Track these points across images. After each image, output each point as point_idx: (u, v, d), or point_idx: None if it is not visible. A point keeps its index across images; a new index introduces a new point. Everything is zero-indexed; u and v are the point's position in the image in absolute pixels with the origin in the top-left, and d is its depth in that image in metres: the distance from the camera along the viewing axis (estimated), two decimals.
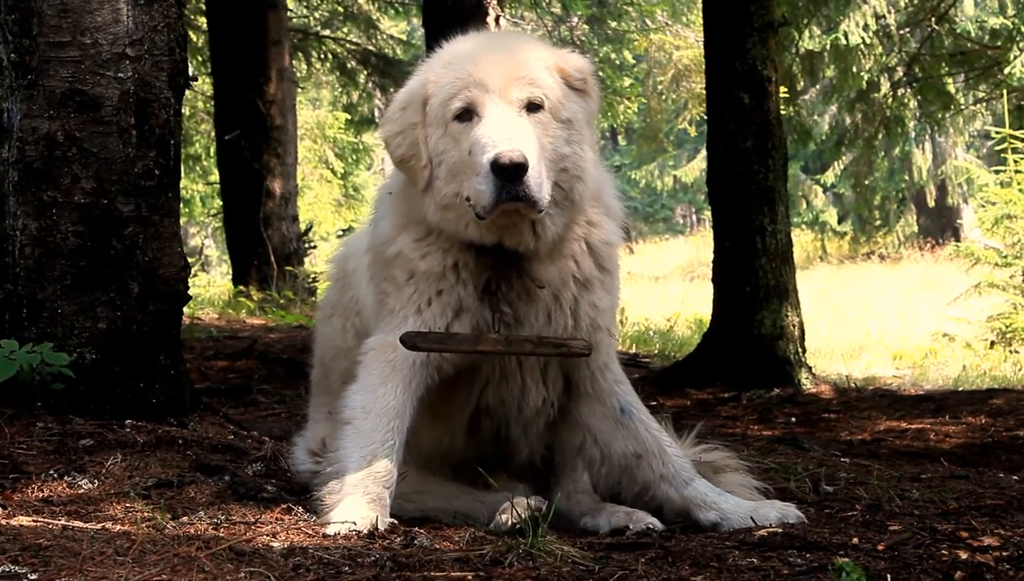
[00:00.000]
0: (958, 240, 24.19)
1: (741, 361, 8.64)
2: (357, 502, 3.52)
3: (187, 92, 4.86)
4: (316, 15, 21.15)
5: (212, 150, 20.00)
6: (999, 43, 15.64)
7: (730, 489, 3.99)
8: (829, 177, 31.77)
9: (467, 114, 3.62)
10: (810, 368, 8.92)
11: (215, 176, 20.11)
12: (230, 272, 16.41)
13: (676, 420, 4.77)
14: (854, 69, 15.97)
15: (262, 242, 14.29)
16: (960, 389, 9.24)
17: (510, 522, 3.61)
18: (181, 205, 4.94)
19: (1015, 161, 12.87)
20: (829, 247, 36.16)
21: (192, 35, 16.78)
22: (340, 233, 27.13)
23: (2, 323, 4.50)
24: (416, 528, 3.50)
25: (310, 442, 4.28)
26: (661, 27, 22.94)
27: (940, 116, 16.54)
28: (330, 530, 3.40)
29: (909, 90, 15.53)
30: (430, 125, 3.70)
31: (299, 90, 19.70)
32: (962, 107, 17.64)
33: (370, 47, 20.48)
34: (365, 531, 3.37)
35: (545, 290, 3.77)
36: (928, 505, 3.97)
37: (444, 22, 10.17)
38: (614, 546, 3.41)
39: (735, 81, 8.78)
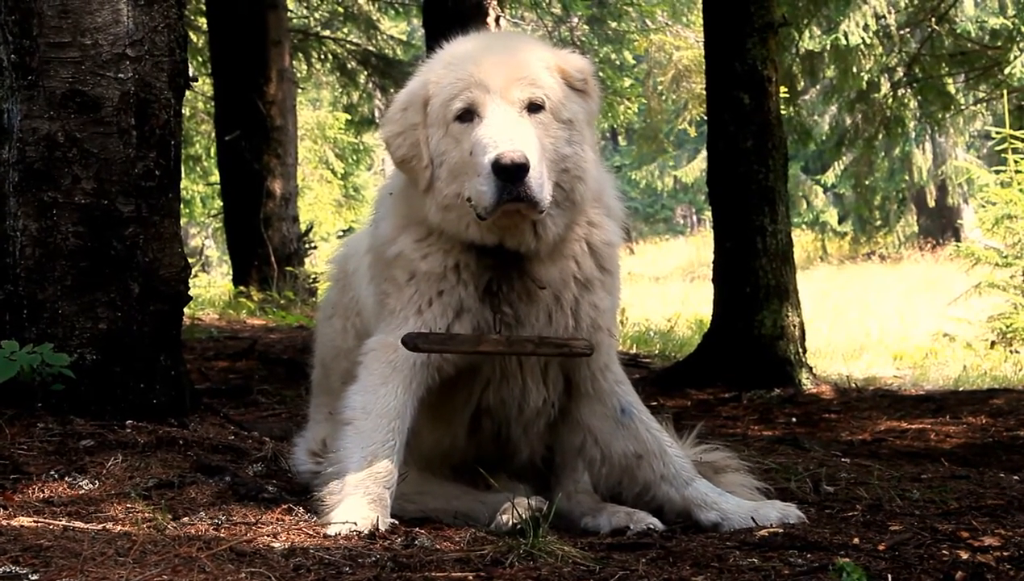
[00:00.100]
0: (958, 240, 24.18)
1: (742, 361, 8.64)
2: (358, 502, 3.52)
3: (187, 93, 4.87)
4: (316, 15, 21.15)
5: (212, 151, 20.01)
6: (999, 43, 15.64)
7: (731, 489, 3.99)
8: (829, 177, 31.76)
9: (468, 115, 3.62)
10: (811, 368, 8.92)
11: (215, 177, 20.11)
12: (230, 273, 16.42)
13: (677, 420, 4.77)
14: (854, 69, 15.97)
15: (262, 243, 14.30)
16: (960, 389, 9.24)
17: (511, 522, 3.61)
18: (181, 206, 4.95)
19: (1015, 161, 12.87)
20: (829, 247, 36.16)
21: (192, 35, 16.78)
22: (340, 234, 27.15)
23: (3, 324, 4.50)
24: (417, 528, 3.50)
25: (311, 442, 4.28)
26: (661, 27, 22.93)
27: (940, 116, 16.54)
28: (331, 530, 3.40)
29: (909, 90, 15.53)
30: (431, 126, 3.70)
31: (299, 91, 19.71)
32: (962, 107, 17.65)
33: (370, 48, 20.49)
34: (366, 531, 3.37)
35: (546, 291, 3.78)
36: (929, 505, 3.97)
37: (444, 23, 10.16)
38: (615, 546, 3.41)
39: (735, 81, 8.78)
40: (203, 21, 16.96)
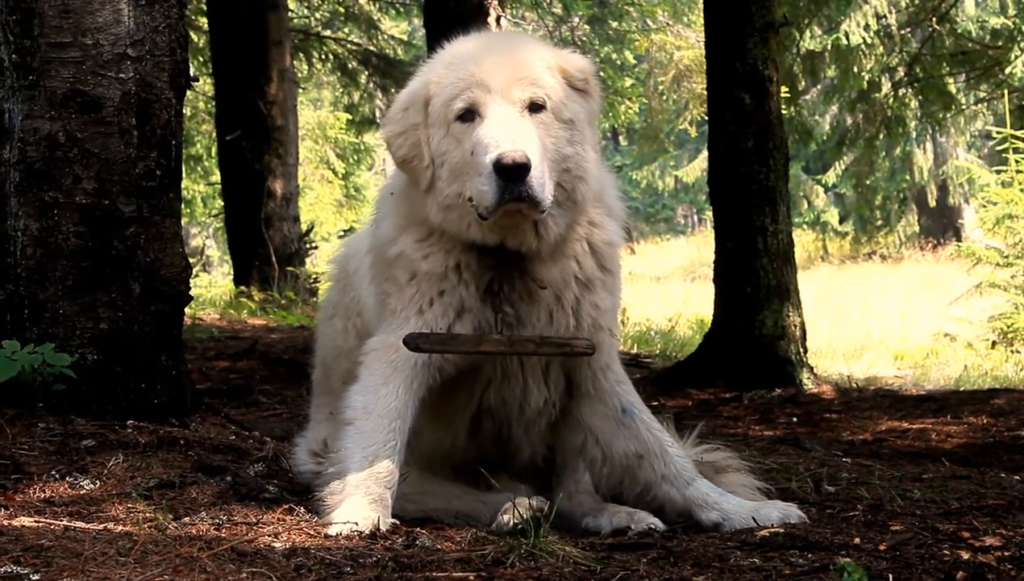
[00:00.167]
0: (959, 240, 24.17)
1: (742, 361, 8.64)
2: (359, 502, 3.52)
3: (188, 92, 4.87)
4: (317, 15, 21.15)
5: (213, 150, 20.02)
6: (1000, 43, 15.64)
7: (732, 489, 3.99)
8: (830, 177, 31.77)
9: (469, 115, 3.62)
10: (811, 368, 8.92)
11: (216, 176, 20.10)
12: (231, 272, 16.42)
13: (678, 420, 4.77)
14: (855, 69, 15.97)
15: (263, 242, 14.30)
16: (961, 389, 9.24)
17: (512, 522, 3.61)
18: (182, 205, 4.94)
19: (1016, 161, 12.86)
20: (830, 247, 36.16)
21: (193, 35, 16.78)
22: (341, 234, 27.15)
23: (4, 324, 4.50)
24: (418, 528, 3.50)
25: (312, 443, 4.28)
26: (662, 27, 22.93)
27: (941, 116, 16.54)
28: (332, 530, 3.40)
29: (910, 90, 15.54)
30: (432, 126, 3.70)
31: (300, 90, 19.71)
32: (963, 107, 17.65)
33: (371, 47, 20.49)
34: (367, 531, 3.37)
35: (547, 290, 3.78)
36: (930, 505, 3.97)
37: (445, 22, 10.16)
38: (616, 546, 3.41)
39: (736, 81, 8.78)
40: (204, 21, 16.97)
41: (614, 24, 22.14)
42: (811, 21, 15.01)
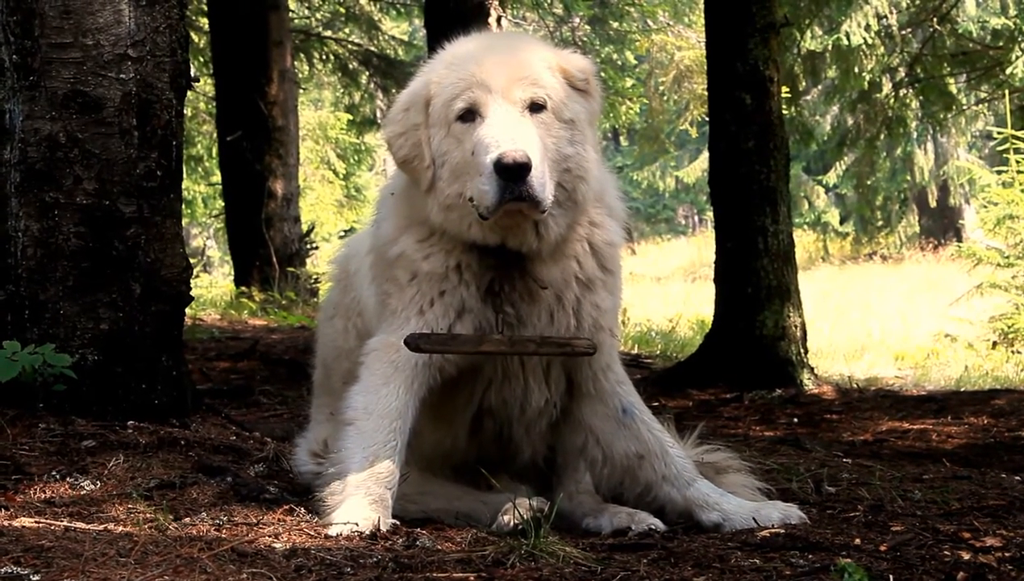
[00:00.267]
0: (960, 241, 24.17)
1: (743, 362, 8.63)
2: (359, 503, 3.52)
3: (189, 93, 4.87)
4: (318, 16, 21.16)
5: (214, 151, 20.03)
6: (1001, 43, 15.64)
7: (732, 490, 3.99)
8: (831, 177, 31.76)
9: (470, 115, 3.62)
10: (812, 369, 8.92)
11: (217, 177, 20.11)
12: (232, 273, 16.42)
13: (678, 421, 4.77)
14: (856, 69, 15.97)
15: (264, 243, 14.30)
16: (962, 390, 9.23)
17: (512, 523, 3.61)
18: (183, 206, 4.94)
19: (1017, 161, 12.85)
20: (831, 247, 36.15)
21: (194, 36, 16.79)
22: (342, 234, 27.16)
23: (4, 324, 4.50)
24: (418, 529, 3.50)
25: (312, 443, 4.28)
26: (663, 28, 22.92)
27: (942, 116, 16.54)
28: (332, 531, 3.40)
29: (911, 90, 15.54)
30: (433, 126, 3.70)
31: (301, 91, 19.72)
32: (964, 107, 17.64)
33: (372, 48, 20.49)
34: (367, 532, 3.37)
35: (548, 290, 3.78)
36: (930, 506, 3.97)
37: (446, 23, 10.17)
38: (616, 547, 3.41)
39: (737, 82, 8.78)
40: (205, 21, 16.97)
41: (615, 24, 22.14)
42: (812, 21, 15.01)
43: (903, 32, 16.11)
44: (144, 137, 4.52)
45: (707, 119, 9.68)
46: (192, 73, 4.87)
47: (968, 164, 26.86)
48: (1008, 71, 14.96)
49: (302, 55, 19.37)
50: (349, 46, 20.34)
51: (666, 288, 23.85)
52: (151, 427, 4.35)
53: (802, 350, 8.79)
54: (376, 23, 20.93)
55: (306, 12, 20.98)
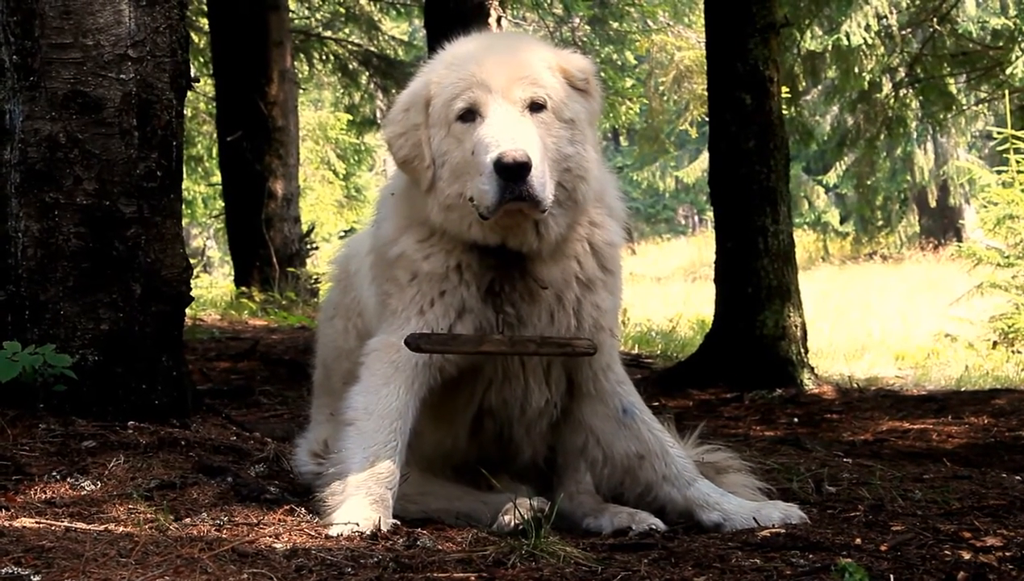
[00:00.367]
0: (960, 240, 24.16)
1: (743, 362, 8.64)
2: (360, 503, 3.52)
3: (189, 93, 4.87)
4: (318, 16, 21.16)
5: (214, 151, 20.03)
6: (1001, 43, 15.64)
7: (732, 490, 3.99)
8: (831, 177, 31.76)
9: (470, 115, 3.62)
10: (812, 368, 8.92)
11: (217, 177, 20.11)
12: (232, 273, 16.42)
13: (678, 421, 4.76)
14: (856, 69, 15.97)
15: (264, 243, 14.30)
16: (962, 389, 9.24)
17: (513, 523, 3.61)
18: (183, 206, 4.94)
19: (1017, 161, 12.86)
20: (831, 247, 36.15)
21: (194, 36, 16.79)
22: (342, 234, 27.16)
23: (4, 325, 4.50)
24: (419, 529, 3.50)
25: (312, 443, 4.27)
26: (663, 28, 22.92)
27: (942, 116, 16.54)
28: (333, 531, 3.40)
29: (911, 90, 15.54)
30: (433, 126, 3.70)
31: (301, 91, 19.71)
32: (964, 107, 17.64)
33: (372, 48, 20.49)
34: (368, 532, 3.37)
35: (548, 291, 3.78)
36: (931, 505, 3.96)
37: (446, 23, 10.16)
38: (617, 547, 3.41)
39: (737, 82, 8.78)
40: (205, 22, 16.97)
41: (615, 25, 22.15)
42: (812, 21, 15.01)
43: (903, 32, 16.11)
44: (144, 137, 4.52)
45: (707, 119, 9.68)
46: (192, 73, 4.87)
47: (968, 164, 26.86)
48: (1008, 71, 14.96)
49: (302, 55, 19.37)
50: (349, 46, 20.34)
51: (666, 288, 23.86)
52: (151, 427, 4.35)
53: (802, 350, 8.79)
54: (376, 23, 20.93)
55: (306, 12, 20.98)
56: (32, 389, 4.33)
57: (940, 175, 32.75)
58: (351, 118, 23.59)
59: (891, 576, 2.98)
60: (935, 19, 14.89)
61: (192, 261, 4.91)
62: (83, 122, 4.45)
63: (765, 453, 5.29)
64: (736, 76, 8.78)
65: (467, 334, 3.73)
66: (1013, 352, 11.89)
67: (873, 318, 17.25)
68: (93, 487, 3.82)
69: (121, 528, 3.38)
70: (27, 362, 4.28)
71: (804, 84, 17.67)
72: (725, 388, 8.54)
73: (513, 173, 3.43)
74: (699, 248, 33.29)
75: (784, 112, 9.53)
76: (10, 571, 2.84)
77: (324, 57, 20.03)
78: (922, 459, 5.75)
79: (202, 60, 17.67)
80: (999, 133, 13.35)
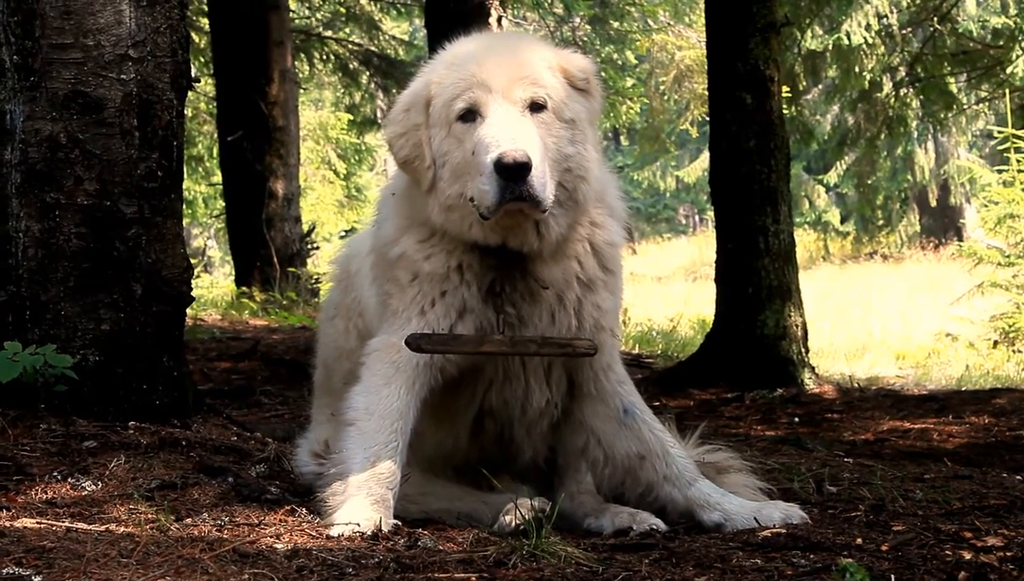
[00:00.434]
0: (961, 240, 24.14)
1: (744, 361, 8.64)
2: (361, 503, 3.52)
3: (189, 93, 4.86)
4: (318, 16, 21.16)
5: (215, 151, 20.03)
6: (1001, 43, 15.64)
7: (733, 490, 3.99)
8: (832, 177, 31.77)
9: (470, 115, 3.62)
10: (813, 368, 8.92)
11: (218, 177, 20.12)
12: (233, 273, 16.42)
13: (679, 421, 4.77)
14: (856, 69, 15.98)
15: (265, 243, 14.30)
16: (963, 389, 9.24)
17: (514, 523, 3.61)
18: (184, 206, 4.94)
19: (1017, 161, 12.85)
20: (832, 247, 36.16)
21: (194, 36, 16.79)
22: (343, 234, 27.16)
23: (5, 325, 4.50)
24: (420, 529, 3.50)
25: (313, 443, 4.27)
26: (663, 27, 22.91)
27: (942, 116, 16.55)
28: (334, 531, 3.40)
29: (911, 90, 15.54)
30: (433, 126, 3.70)
31: (301, 91, 19.72)
32: (964, 107, 17.65)
33: (372, 48, 20.50)
34: (369, 532, 3.37)
35: (549, 291, 3.78)
36: (932, 505, 3.96)
37: (446, 23, 10.16)
38: (618, 547, 3.41)
39: (737, 81, 8.78)
40: (205, 22, 16.98)
41: (615, 24, 22.13)
42: (812, 21, 15.02)
43: (903, 31, 16.11)
44: (145, 137, 4.52)
45: (708, 119, 9.68)
46: (193, 73, 4.87)
47: (969, 163, 26.86)
48: (1008, 70, 14.96)
49: (303, 55, 19.37)
50: (350, 46, 20.35)
51: (667, 288, 23.87)
52: (152, 427, 4.35)
53: (803, 349, 8.79)
54: (377, 23, 20.93)
55: (307, 12, 20.98)
56: (33, 389, 4.33)
57: (941, 174, 32.75)
58: (352, 118, 23.60)
59: (892, 576, 2.98)
60: (935, 18, 14.89)
61: (193, 261, 4.91)
62: (84, 122, 4.45)
63: (766, 453, 5.29)
64: (737, 75, 8.78)
65: (468, 334, 3.73)
66: (1014, 351, 11.89)
67: (874, 318, 17.25)
68: (94, 487, 3.82)
69: (122, 528, 3.38)
70: (28, 362, 4.27)
71: (805, 83, 17.68)
72: (726, 388, 8.54)
73: (513, 173, 3.43)
74: (700, 248, 33.29)
75: (785, 111, 9.53)
76: (11, 571, 2.84)
77: (325, 57, 20.04)
78: (923, 459, 5.75)
79: (203, 60, 17.67)
80: (1000, 132, 13.34)
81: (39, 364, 4.28)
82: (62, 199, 4.44)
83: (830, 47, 16.10)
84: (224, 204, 16.25)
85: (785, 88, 11.19)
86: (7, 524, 3.35)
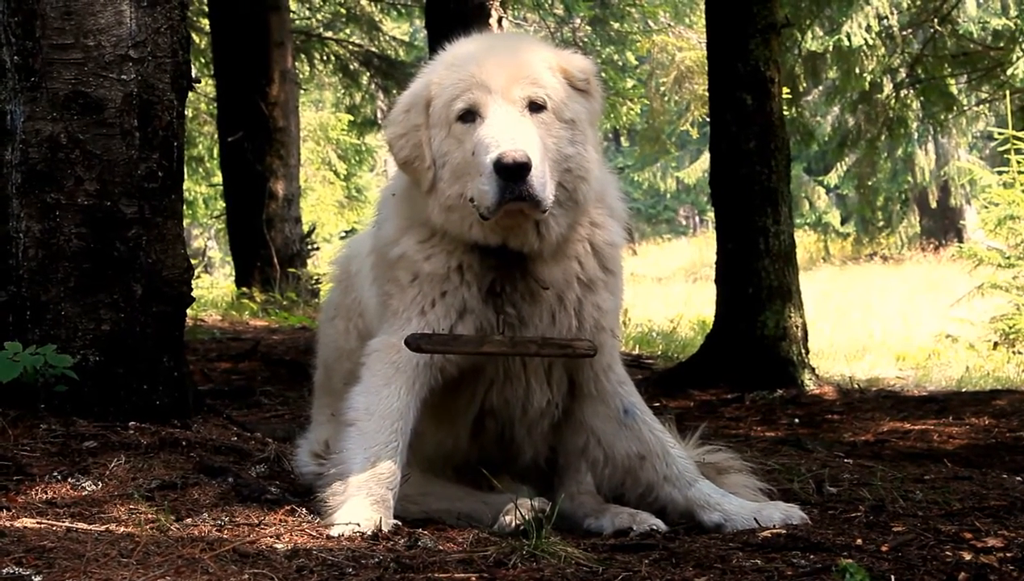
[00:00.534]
0: (961, 241, 24.16)
1: (744, 362, 8.64)
2: (361, 503, 3.52)
3: (190, 94, 4.87)
4: (319, 17, 21.16)
5: (215, 152, 20.04)
6: (1001, 44, 15.64)
7: (733, 490, 3.99)
8: (832, 178, 31.74)
9: (470, 115, 3.62)
10: (813, 369, 8.92)
11: (218, 178, 20.12)
12: (233, 274, 16.43)
13: (679, 421, 4.77)
14: (857, 70, 15.97)
15: (265, 244, 14.30)
16: (963, 390, 9.24)
17: (514, 523, 3.61)
18: (184, 207, 4.94)
19: (1018, 162, 12.86)
20: (832, 248, 36.16)
21: (195, 37, 16.79)
22: (343, 235, 27.16)
23: (6, 325, 4.50)
24: (420, 529, 3.50)
25: (313, 444, 4.27)
26: (664, 28, 22.91)
27: (943, 117, 16.54)
28: (334, 532, 3.40)
29: (912, 91, 15.53)
30: (433, 127, 3.70)
31: (302, 92, 19.72)
32: (965, 108, 17.64)
33: (373, 49, 20.50)
34: (369, 532, 3.37)
35: (549, 291, 3.78)
36: (932, 506, 3.97)
37: (447, 24, 10.16)
38: (618, 547, 3.41)
39: (738, 82, 8.78)
40: (206, 22, 16.98)
41: (615, 25, 22.14)
42: (813, 22, 15.02)
43: (904, 33, 16.11)
44: (145, 138, 4.52)
45: (708, 120, 9.68)
46: (193, 74, 4.87)
47: (969, 165, 26.84)
48: (1009, 72, 14.96)
49: (303, 56, 19.37)
50: (350, 47, 20.35)
51: (667, 289, 23.87)
52: (152, 428, 4.35)
53: (803, 351, 8.79)
54: (377, 24, 20.93)
55: (307, 13, 20.98)
56: (33, 389, 4.33)
57: (941, 176, 32.75)
58: (352, 119, 23.60)
59: (892, 577, 2.98)
60: (936, 20, 14.88)
61: (193, 262, 4.91)
62: (84, 123, 4.45)
63: (766, 454, 5.29)
64: (737, 77, 8.78)
65: (468, 335, 3.73)
66: (1014, 353, 11.89)
67: (874, 319, 17.25)
68: (94, 487, 3.82)
69: (122, 528, 3.38)
70: (28, 362, 4.28)
71: (805, 85, 17.67)
72: (726, 389, 8.53)
73: (513, 173, 3.43)
74: (700, 249, 33.30)
75: (785, 113, 9.53)
76: (11, 571, 2.84)
77: (325, 58, 20.04)
78: (923, 460, 5.75)
79: (203, 61, 17.67)
80: (1000, 134, 13.35)
81: (39, 364, 4.28)
82: (62, 199, 4.44)
83: (830, 48, 16.10)
84: (224, 205, 16.25)
85: (785, 89, 11.19)
86: (7, 524, 3.35)
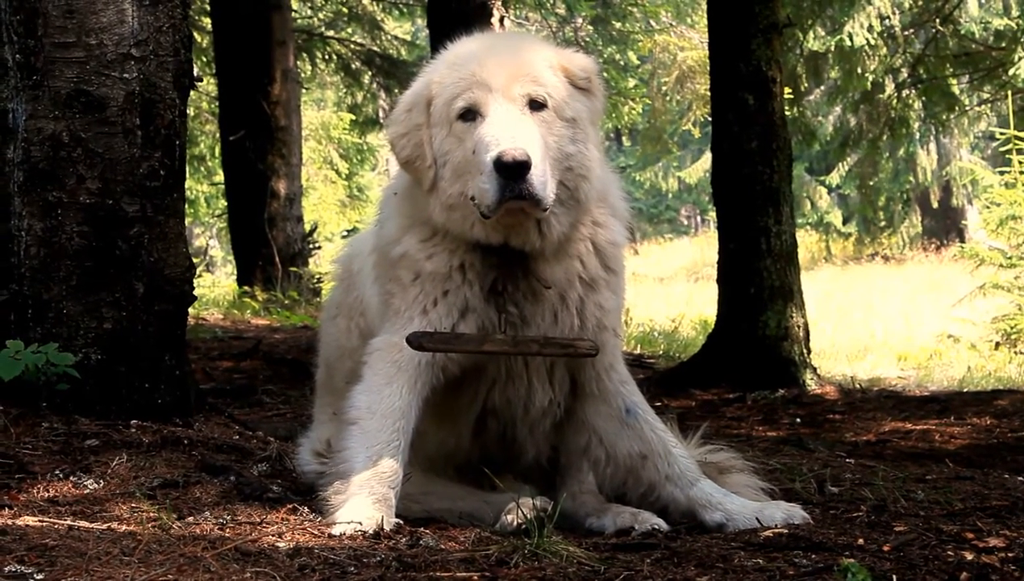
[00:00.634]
0: (963, 241, 24.14)
1: (746, 362, 8.64)
2: (363, 502, 3.52)
3: (192, 93, 4.87)
4: (320, 16, 21.17)
5: (217, 151, 20.02)
6: (1003, 44, 15.63)
7: (735, 490, 3.98)
8: (834, 178, 31.72)
9: (471, 114, 3.62)
10: (815, 369, 8.92)
11: (220, 177, 20.14)
12: (235, 273, 16.43)
13: (681, 421, 4.76)
14: (859, 70, 15.97)
15: (267, 243, 14.31)
16: (965, 390, 9.24)
17: (516, 523, 3.61)
18: (186, 205, 4.94)
19: (1020, 162, 12.85)
20: (834, 248, 36.15)
21: (197, 36, 16.79)
22: (345, 234, 27.17)
23: (7, 323, 4.50)
24: (422, 528, 3.50)
25: (315, 442, 4.27)
26: (665, 28, 22.91)
27: (945, 117, 16.53)
28: (336, 530, 3.40)
29: (914, 91, 15.53)
30: (434, 126, 3.70)
31: (303, 91, 19.72)
32: (967, 108, 17.63)
33: (374, 48, 20.50)
34: (371, 531, 3.37)
35: (551, 290, 3.78)
36: (933, 506, 3.96)
37: (449, 23, 10.17)
38: (619, 547, 3.41)
39: (740, 82, 8.78)
40: (207, 21, 16.98)
41: (617, 25, 22.14)
42: (815, 22, 15.01)
43: (906, 33, 16.10)
44: (147, 136, 4.52)
45: (710, 119, 9.68)
46: (195, 73, 4.87)
47: (971, 165, 26.82)
48: (1011, 72, 14.95)
49: (305, 55, 19.38)
50: (352, 46, 20.35)
51: (669, 288, 23.88)
52: (154, 426, 4.35)
53: (805, 350, 8.80)
54: (379, 23, 20.94)
55: (309, 12, 20.99)
56: (35, 388, 4.33)
57: (943, 176, 32.74)
58: (354, 118, 23.60)
59: (894, 576, 2.98)
60: (937, 20, 14.88)
61: (195, 260, 4.91)
62: (86, 121, 4.45)
63: (768, 453, 5.29)
64: (739, 76, 8.78)
65: (470, 333, 3.73)
66: (1016, 353, 11.89)
67: (876, 319, 17.25)
68: (96, 486, 3.82)
69: (124, 527, 3.38)
70: (30, 361, 4.28)
71: (807, 84, 17.65)
72: (728, 388, 8.54)
73: (513, 172, 3.43)
74: (702, 248, 33.30)
75: (787, 112, 9.53)
76: (13, 569, 2.84)
77: (327, 57, 20.05)
78: (925, 460, 5.75)
79: (205, 59, 17.67)
80: (1002, 134, 13.34)
81: (41, 362, 4.28)
82: (64, 198, 4.44)
83: (832, 48, 16.09)
84: (226, 203, 16.25)
85: (787, 89, 11.20)
86: (9, 522, 3.35)
